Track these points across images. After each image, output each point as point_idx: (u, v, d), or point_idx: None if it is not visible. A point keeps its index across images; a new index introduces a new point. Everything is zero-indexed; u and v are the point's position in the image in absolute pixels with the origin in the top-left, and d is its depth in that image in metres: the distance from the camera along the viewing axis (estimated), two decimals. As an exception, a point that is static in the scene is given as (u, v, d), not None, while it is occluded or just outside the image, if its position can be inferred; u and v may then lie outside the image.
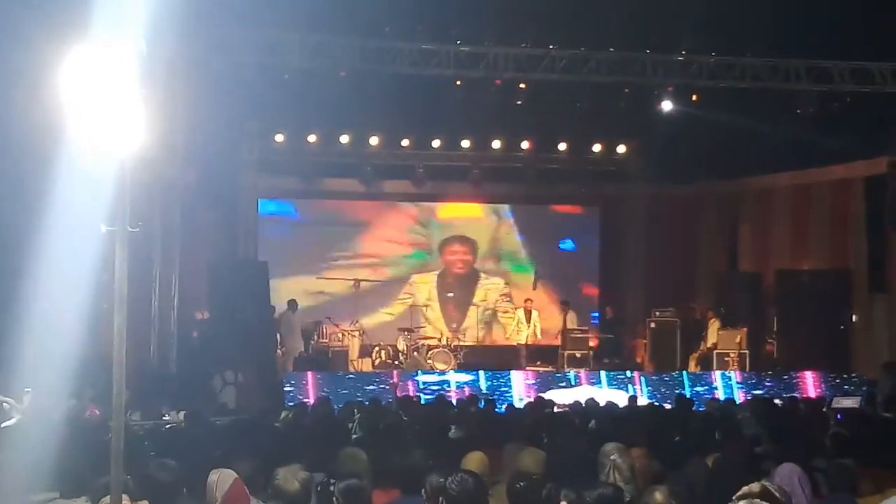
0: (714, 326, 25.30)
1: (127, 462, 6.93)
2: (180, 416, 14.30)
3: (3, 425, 12.72)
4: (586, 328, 26.99)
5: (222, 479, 7.95)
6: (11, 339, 14.40)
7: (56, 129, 7.04)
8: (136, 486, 7.92)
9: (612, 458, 8.55)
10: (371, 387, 20.81)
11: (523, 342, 26.12)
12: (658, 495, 6.29)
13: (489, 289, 29.14)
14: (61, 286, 14.17)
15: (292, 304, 25.01)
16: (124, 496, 7.36)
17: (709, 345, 25.11)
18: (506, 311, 28.55)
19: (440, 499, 7.25)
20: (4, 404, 13.63)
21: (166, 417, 14.88)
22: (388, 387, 20.59)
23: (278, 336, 23.90)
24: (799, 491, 8.19)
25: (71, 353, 13.46)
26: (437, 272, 29.03)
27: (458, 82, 22.62)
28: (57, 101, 6.66)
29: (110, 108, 6.55)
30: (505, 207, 29.42)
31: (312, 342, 25.17)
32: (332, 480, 8.15)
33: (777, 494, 5.99)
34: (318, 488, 8.43)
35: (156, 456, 10.05)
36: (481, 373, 21.68)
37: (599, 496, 7.06)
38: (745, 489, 5.91)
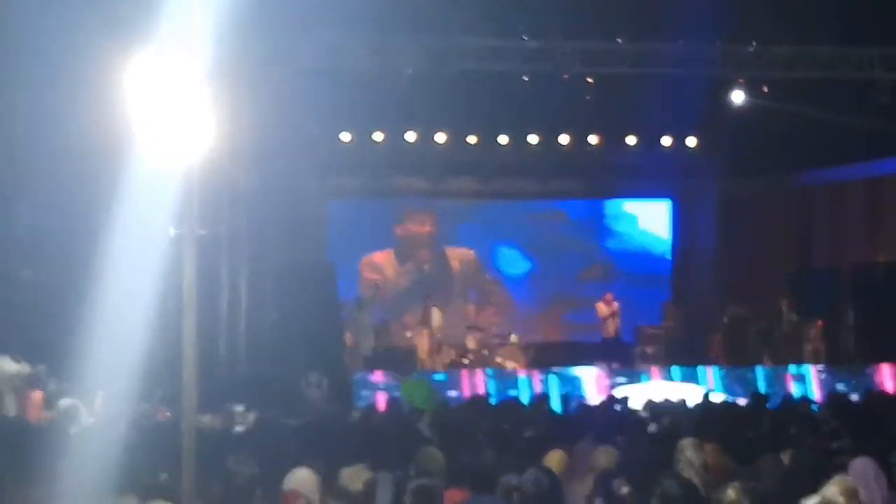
0: (789, 321, 25.02)
1: (199, 463, 6.94)
2: (250, 418, 14.33)
3: (74, 429, 12.79)
4: (659, 324, 26.82)
5: (298, 478, 7.96)
6: (82, 343, 14.52)
7: (124, 134, 7.07)
8: (211, 482, 7.94)
9: (685, 453, 8.50)
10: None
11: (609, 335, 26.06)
12: (731, 492, 6.20)
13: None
14: (130, 289, 14.27)
15: (361, 301, 25.03)
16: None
17: (784, 339, 24.82)
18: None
19: (514, 495, 7.21)
20: (76, 408, 13.74)
21: (237, 419, 14.93)
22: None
23: (349, 335, 23.92)
24: (873, 485, 8.11)
25: (140, 355, 13.56)
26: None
27: (525, 77, 22.50)
28: (125, 106, 6.69)
29: (177, 113, 6.58)
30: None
31: (381, 341, 25.15)
32: (410, 474, 8.17)
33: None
34: (395, 487, 8.42)
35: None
36: (552, 378, 21.49)
37: (667, 489, 6.97)
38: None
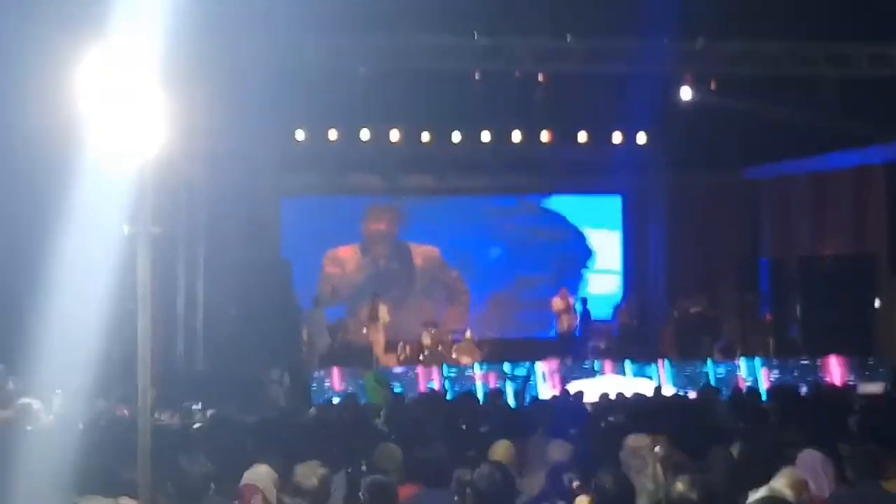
0: (736, 314, 25.29)
1: (156, 461, 7.00)
2: (207, 415, 14.37)
3: (30, 428, 12.80)
4: (610, 319, 27.04)
5: (256, 474, 8.04)
6: (39, 341, 14.51)
7: (76, 131, 7.10)
8: (165, 480, 8.00)
9: (636, 447, 8.58)
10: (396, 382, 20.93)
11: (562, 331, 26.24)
12: (679, 485, 6.30)
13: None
14: (87, 287, 14.28)
15: (317, 300, 25.13)
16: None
17: (732, 332, 25.08)
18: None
19: (467, 491, 7.29)
20: (34, 406, 13.73)
21: (195, 417, 14.95)
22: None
23: (305, 333, 23.97)
24: (822, 477, 8.22)
25: (98, 353, 13.58)
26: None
27: (477, 75, 22.62)
28: (76, 102, 6.72)
29: (130, 110, 6.60)
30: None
31: (337, 338, 25.23)
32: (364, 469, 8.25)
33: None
34: (350, 483, 8.50)
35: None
36: (506, 373, 21.59)
37: (601, 483, 7.09)
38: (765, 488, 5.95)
